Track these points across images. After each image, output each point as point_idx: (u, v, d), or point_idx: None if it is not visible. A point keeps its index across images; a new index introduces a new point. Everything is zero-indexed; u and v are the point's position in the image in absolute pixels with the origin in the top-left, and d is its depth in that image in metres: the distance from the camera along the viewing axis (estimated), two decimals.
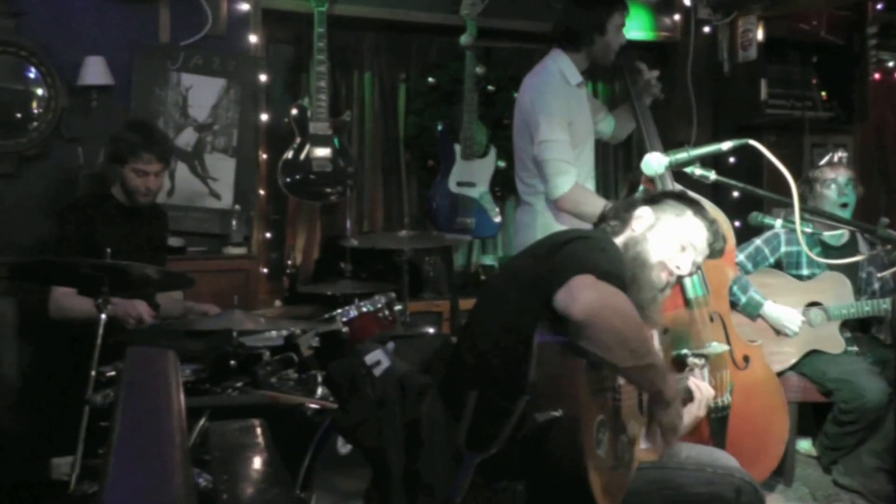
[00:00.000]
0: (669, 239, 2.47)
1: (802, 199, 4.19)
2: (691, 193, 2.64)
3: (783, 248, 4.38)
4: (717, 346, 3.30)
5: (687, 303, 3.55)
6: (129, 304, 3.60)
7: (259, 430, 1.90)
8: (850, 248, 4.40)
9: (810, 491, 4.30)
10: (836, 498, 4.22)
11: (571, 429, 2.02)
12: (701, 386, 2.63)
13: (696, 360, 2.74)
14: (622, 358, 2.04)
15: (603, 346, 2.01)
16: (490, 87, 5.35)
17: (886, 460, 4.04)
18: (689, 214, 2.49)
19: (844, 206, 4.35)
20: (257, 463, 1.70)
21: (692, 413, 2.60)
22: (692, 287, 3.54)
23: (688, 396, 2.59)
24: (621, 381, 2.25)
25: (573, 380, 2.04)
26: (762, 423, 3.71)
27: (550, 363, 2.06)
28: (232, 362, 3.34)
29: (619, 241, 2.45)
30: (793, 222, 2.56)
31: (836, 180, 4.37)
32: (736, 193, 4.81)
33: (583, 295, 1.99)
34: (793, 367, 4.28)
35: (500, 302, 2.32)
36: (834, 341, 4.24)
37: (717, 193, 4.54)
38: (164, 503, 1.05)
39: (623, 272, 2.24)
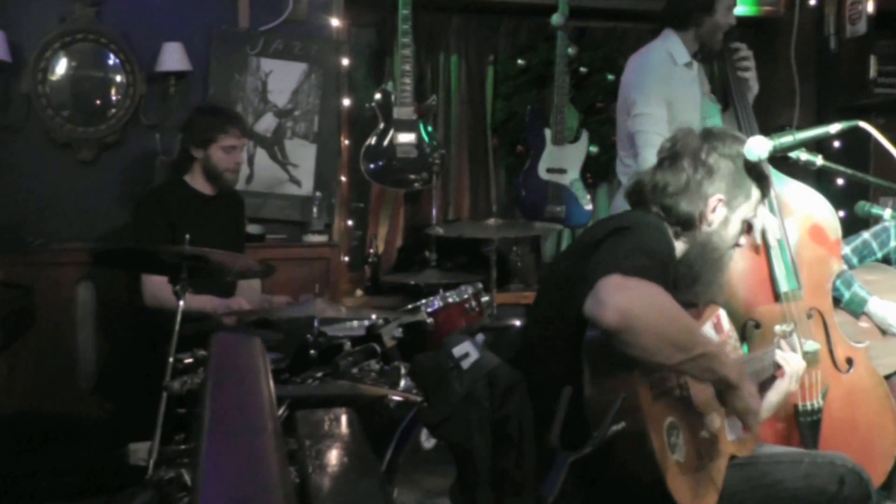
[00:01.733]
0: (744, 219, 2.47)
1: None
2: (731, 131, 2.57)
3: (893, 243, 4.26)
4: (812, 344, 3.25)
5: (777, 297, 3.49)
6: (229, 301, 3.74)
7: (347, 420, 1.92)
8: None
9: None
10: None
11: (639, 441, 1.99)
12: (789, 359, 2.57)
13: (784, 328, 2.68)
14: (668, 356, 1.98)
15: (645, 350, 1.95)
16: (582, 69, 5.32)
17: None
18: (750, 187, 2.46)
19: None
20: (346, 453, 1.73)
21: (782, 389, 2.55)
22: (784, 279, 3.48)
23: (775, 372, 2.55)
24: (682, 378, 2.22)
25: (631, 388, 2.00)
26: (867, 433, 3.58)
27: (603, 373, 2.04)
28: (312, 352, 3.39)
29: (688, 238, 2.42)
30: None
31: None
32: (841, 181, 4.70)
33: (610, 299, 1.91)
34: None
35: (547, 303, 2.33)
36: None
37: (820, 181, 4.45)
38: (258, 491, 1.07)
39: (663, 258, 2.21)
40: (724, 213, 2.41)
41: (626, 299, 1.91)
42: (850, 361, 3.56)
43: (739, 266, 3.47)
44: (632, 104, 3.73)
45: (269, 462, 1.16)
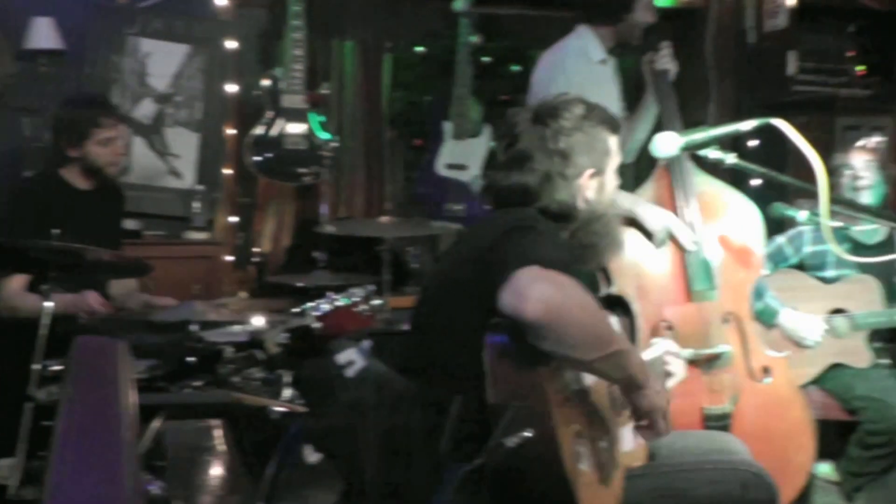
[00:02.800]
0: (616, 169, 2.53)
1: (831, 189, 4.20)
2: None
3: (807, 248, 4.36)
4: (724, 348, 3.35)
5: (691, 295, 3.58)
6: (76, 298, 3.63)
7: (218, 433, 1.90)
8: (886, 247, 4.32)
9: None
10: None
11: (548, 449, 1.99)
12: (676, 370, 2.66)
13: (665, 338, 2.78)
14: (587, 352, 1.99)
15: (567, 344, 1.95)
16: (486, 59, 5.34)
17: None
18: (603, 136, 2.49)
19: (860, 192, 4.27)
20: (215, 468, 1.71)
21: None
22: (696, 279, 3.56)
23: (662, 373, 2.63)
24: (587, 380, 2.23)
25: (538, 392, 2.00)
26: (782, 445, 3.63)
27: (508, 377, 2.01)
28: (191, 359, 3.35)
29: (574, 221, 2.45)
30: (818, 215, 2.55)
31: (848, 164, 4.31)
32: (757, 181, 4.80)
33: (532, 291, 1.90)
34: (814, 381, 4.28)
35: (440, 309, 2.31)
36: (861, 354, 4.21)
37: (735, 181, 4.55)
38: None
39: (567, 255, 2.24)
40: (596, 182, 2.45)
41: (548, 291, 1.90)
42: (766, 370, 3.63)
43: (654, 266, 3.56)
44: (539, 86, 3.76)
45: (123, 479, 1.13)
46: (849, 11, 5.70)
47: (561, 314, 1.91)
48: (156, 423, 3.02)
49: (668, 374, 2.67)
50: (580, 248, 2.46)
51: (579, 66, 3.75)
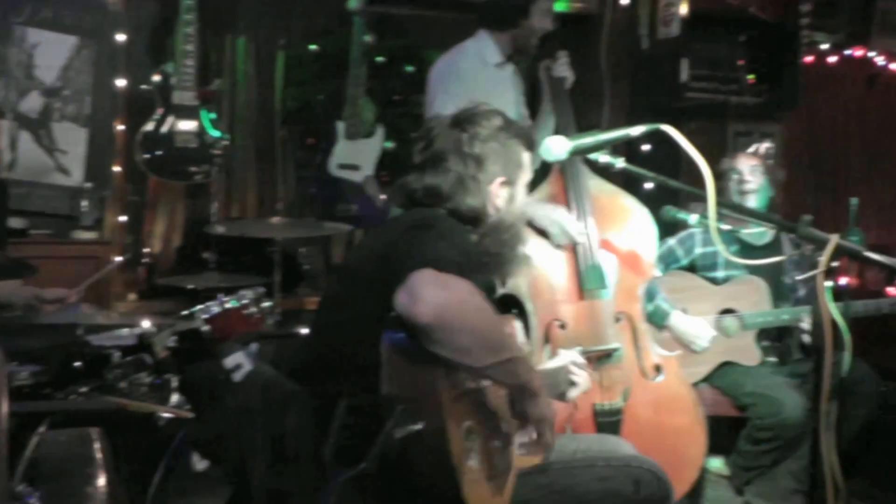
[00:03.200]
0: (526, 183, 2.61)
1: (719, 192, 4.31)
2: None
3: (698, 250, 4.47)
4: (615, 345, 3.42)
5: (583, 294, 3.65)
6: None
7: (95, 441, 1.88)
8: (773, 249, 4.47)
9: None
10: None
11: (437, 442, 2.02)
12: (583, 380, 2.72)
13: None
14: (479, 358, 2.02)
15: (457, 349, 1.98)
16: (381, 59, 5.35)
17: (803, 481, 4.14)
18: (515, 147, 2.56)
19: (747, 196, 4.43)
20: (91, 479, 1.70)
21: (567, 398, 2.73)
22: (588, 278, 3.65)
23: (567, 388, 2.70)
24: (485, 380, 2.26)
25: (431, 387, 2.03)
26: (673, 441, 3.74)
27: (404, 372, 2.05)
28: (77, 363, 3.31)
29: (481, 227, 2.50)
30: (708, 218, 2.62)
31: (735, 168, 4.47)
32: (650, 185, 4.89)
33: (425, 294, 1.92)
34: (705, 379, 4.38)
35: (342, 306, 2.32)
36: (749, 352, 4.33)
37: (628, 185, 4.65)
38: None
39: (470, 256, 2.25)
40: (507, 191, 2.52)
41: (441, 295, 1.93)
42: (658, 369, 3.73)
43: (547, 266, 3.64)
44: (435, 102, 3.81)
45: None
46: (740, 21, 5.85)
47: (452, 319, 1.94)
48: (40, 431, 2.97)
49: (572, 384, 2.72)
50: (486, 255, 2.50)
51: (475, 68, 3.81)
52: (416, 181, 2.48)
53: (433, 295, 1.92)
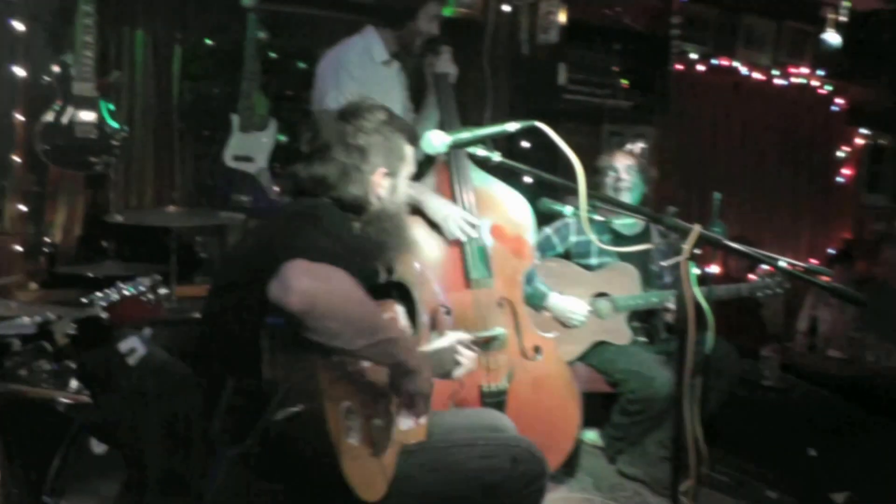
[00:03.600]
0: (409, 175, 2.64)
1: (592, 187, 4.37)
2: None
3: (572, 238, 4.55)
4: (499, 330, 3.44)
5: (469, 283, 3.68)
6: None
7: None
8: (643, 238, 4.59)
9: (594, 481, 4.48)
10: (620, 488, 4.43)
11: (317, 422, 2.03)
12: (468, 359, 2.76)
13: (477, 337, 2.86)
14: (350, 341, 2.04)
15: (328, 334, 1.99)
16: (273, 55, 5.27)
17: (670, 450, 4.26)
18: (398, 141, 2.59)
19: (622, 192, 4.51)
20: None
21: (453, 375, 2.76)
22: (474, 267, 3.68)
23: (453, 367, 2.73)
24: (366, 361, 2.27)
25: (310, 371, 2.04)
26: (551, 416, 3.83)
27: (283, 356, 2.05)
28: None
29: (364, 216, 2.53)
30: (580, 210, 2.66)
31: (612, 166, 4.56)
32: (528, 179, 4.93)
33: (295, 283, 1.92)
34: (580, 358, 4.45)
35: (228, 292, 2.30)
36: (621, 332, 4.43)
37: (509, 179, 4.66)
38: None
39: (347, 243, 2.28)
40: (389, 182, 2.55)
41: (311, 283, 1.93)
42: (537, 349, 3.79)
43: (434, 254, 3.66)
44: (324, 95, 3.75)
45: None
46: (614, 31, 5.98)
47: (321, 306, 1.94)
48: None
49: (457, 364, 2.75)
50: (368, 243, 2.51)
51: (363, 64, 3.77)
52: (303, 170, 2.49)
53: (302, 284, 1.92)
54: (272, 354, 2.04)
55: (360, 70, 3.73)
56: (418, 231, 3.62)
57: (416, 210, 3.60)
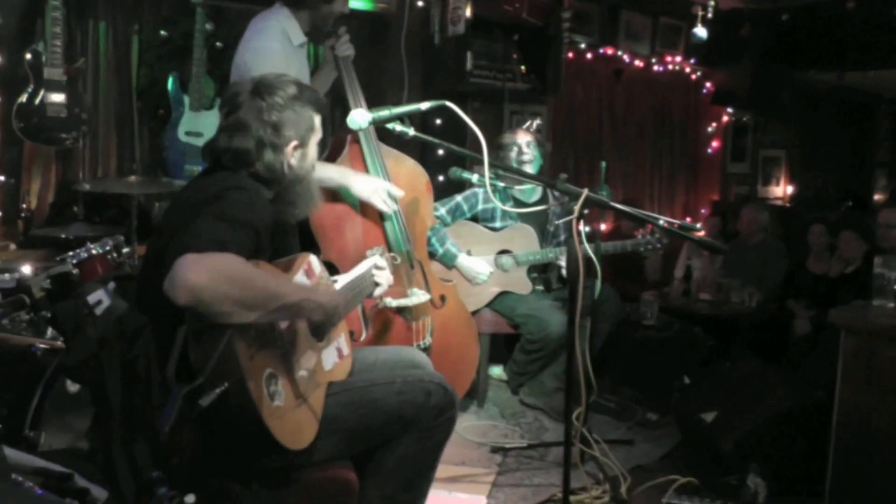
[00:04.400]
0: (317, 142, 2.53)
1: (499, 160, 4.42)
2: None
3: (480, 206, 4.59)
4: (420, 295, 3.43)
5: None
6: None
7: None
8: (540, 204, 4.64)
9: (500, 410, 4.60)
10: (522, 415, 4.56)
11: (240, 397, 2.01)
12: (383, 276, 2.76)
13: (372, 251, 2.84)
14: (245, 316, 1.98)
15: (221, 315, 1.94)
16: (219, 44, 5.17)
17: (564, 381, 4.36)
18: (304, 112, 2.46)
19: (524, 164, 4.55)
20: None
21: (379, 294, 2.79)
22: (396, 242, 3.58)
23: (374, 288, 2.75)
24: (282, 323, 2.23)
25: (226, 348, 1.98)
26: (457, 352, 3.85)
27: (202, 332, 2.00)
28: None
29: (277, 183, 2.44)
30: (485, 177, 2.70)
31: (515, 142, 4.57)
32: (441, 152, 4.97)
33: (180, 279, 1.88)
34: (487, 306, 4.53)
35: (157, 255, 2.18)
36: (522, 283, 4.50)
37: (423, 153, 4.71)
38: None
39: (249, 219, 2.16)
40: (300, 152, 2.45)
41: (194, 277, 1.88)
42: (443, 298, 3.81)
43: (357, 233, 3.53)
44: (251, 70, 3.26)
45: None
46: (514, 24, 5.99)
47: (205, 296, 1.89)
48: None
49: (376, 284, 2.74)
50: (283, 205, 2.45)
51: (284, 50, 3.41)
52: (223, 142, 2.37)
53: (186, 279, 1.88)
54: (193, 328, 2.00)
55: (285, 55, 3.39)
56: (337, 212, 3.50)
57: (334, 193, 3.44)
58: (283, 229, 2.44)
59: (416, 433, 2.50)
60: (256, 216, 2.20)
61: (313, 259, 2.45)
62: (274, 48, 3.36)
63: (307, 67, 3.65)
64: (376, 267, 2.75)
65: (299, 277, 2.37)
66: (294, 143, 2.42)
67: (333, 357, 2.50)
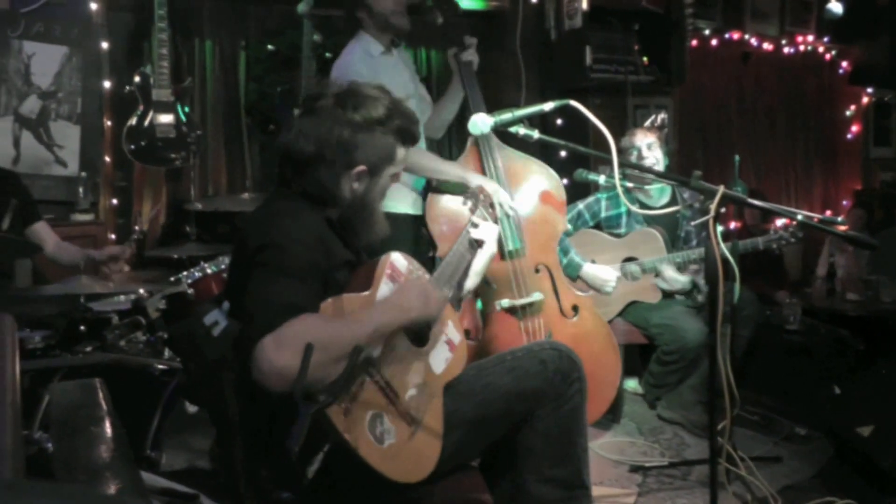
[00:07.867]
0: (392, 175, 2.40)
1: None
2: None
3: (603, 214, 4.55)
4: (537, 295, 3.45)
5: (503, 255, 3.66)
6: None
7: (99, 390, 1.88)
8: (670, 207, 4.50)
9: (637, 425, 4.51)
10: (661, 430, 4.45)
11: (345, 454, 1.95)
12: (483, 230, 2.71)
13: (468, 205, 2.83)
14: (335, 370, 1.92)
15: (315, 381, 1.89)
16: (327, 54, 5.28)
17: (703, 394, 4.25)
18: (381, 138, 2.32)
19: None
20: (97, 421, 1.70)
21: (485, 256, 2.72)
22: (509, 240, 3.65)
23: (476, 249, 2.69)
24: (374, 353, 2.10)
25: (319, 418, 1.91)
26: (593, 368, 3.75)
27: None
28: (81, 327, 3.29)
29: (338, 206, 2.34)
30: (614, 178, 2.66)
31: (634, 145, 4.53)
32: (563, 153, 4.95)
33: (267, 367, 1.88)
34: (618, 315, 4.47)
35: (236, 292, 2.18)
36: (651, 291, 4.42)
37: (545, 154, 4.68)
38: None
39: (310, 256, 2.11)
40: (367, 180, 2.33)
41: (280, 360, 1.87)
42: (575, 309, 3.78)
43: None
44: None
45: (3, 431, 1.14)
46: (633, 13, 5.90)
47: (293, 371, 1.83)
48: (53, 385, 2.96)
49: (479, 243, 2.69)
50: (342, 229, 2.34)
51: (365, 62, 3.59)
52: (284, 138, 2.30)
53: (273, 366, 1.87)
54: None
55: (365, 67, 3.53)
56: (455, 208, 3.57)
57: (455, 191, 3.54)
58: (336, 259, 2.29)
59: (547, 405, 2.41)
60: (316, 250, 2.15)
61: (395, 258, 2.32)
62: (353, 59, 3.58)
63: (403, 68, 3.79)
64: (472, 224, 2.70)
65: (383, 288, 2.23)
66: (361, 168, 2.30)
67: (444, 353, 2.39)
